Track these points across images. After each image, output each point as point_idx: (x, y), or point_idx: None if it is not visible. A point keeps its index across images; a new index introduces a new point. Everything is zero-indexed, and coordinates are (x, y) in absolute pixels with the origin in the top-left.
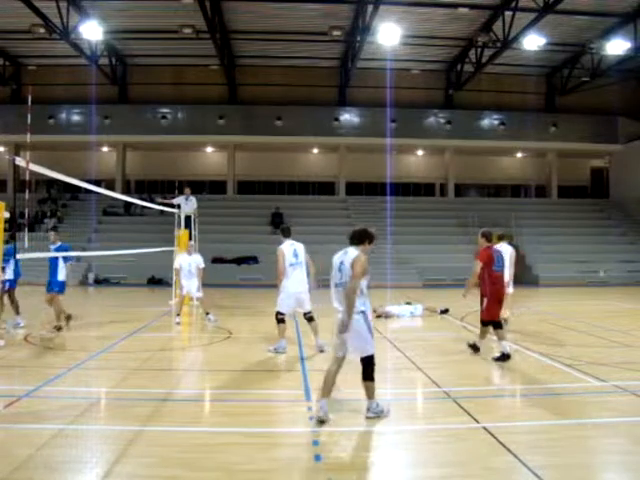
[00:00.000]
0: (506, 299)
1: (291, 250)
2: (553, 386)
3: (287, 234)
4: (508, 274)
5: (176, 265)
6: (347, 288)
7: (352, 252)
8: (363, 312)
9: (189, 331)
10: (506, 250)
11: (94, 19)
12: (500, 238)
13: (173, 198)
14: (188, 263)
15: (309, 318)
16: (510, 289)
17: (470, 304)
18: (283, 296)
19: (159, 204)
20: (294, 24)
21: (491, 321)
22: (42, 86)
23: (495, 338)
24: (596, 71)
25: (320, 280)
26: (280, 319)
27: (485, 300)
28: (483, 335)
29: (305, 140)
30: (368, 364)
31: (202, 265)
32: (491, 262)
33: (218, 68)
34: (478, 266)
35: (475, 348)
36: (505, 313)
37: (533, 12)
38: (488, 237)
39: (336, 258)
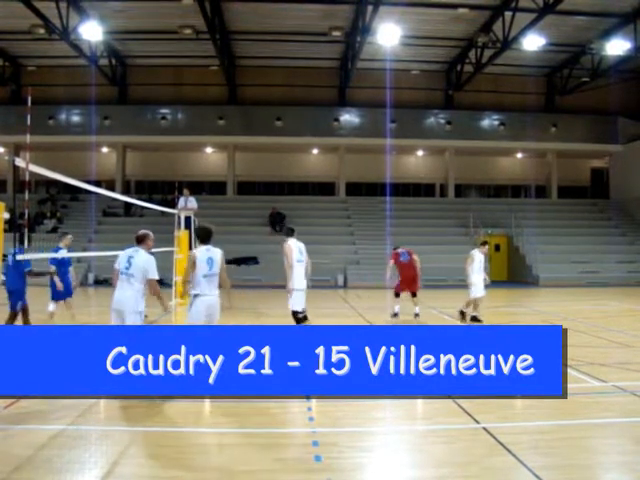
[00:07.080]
0: None
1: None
2: None
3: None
4: None
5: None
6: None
7: (217, 250)
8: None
9: None
10: None
11: (94, 20)
12: None
13: (175, 201)
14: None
15: None
16: None
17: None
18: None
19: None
20: (294, 24)
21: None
22: (42, 87)
23: None
24: (596, 71)
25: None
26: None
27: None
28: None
29: (305, 141)
30: None
31: (152, 276)
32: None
33: (218, 69)
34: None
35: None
36: None
37: (533, 12)
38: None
39: (204, 255)
